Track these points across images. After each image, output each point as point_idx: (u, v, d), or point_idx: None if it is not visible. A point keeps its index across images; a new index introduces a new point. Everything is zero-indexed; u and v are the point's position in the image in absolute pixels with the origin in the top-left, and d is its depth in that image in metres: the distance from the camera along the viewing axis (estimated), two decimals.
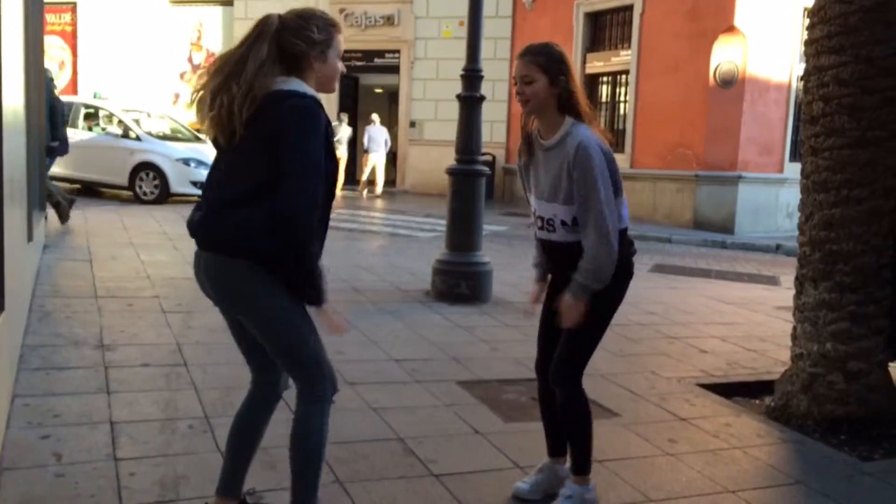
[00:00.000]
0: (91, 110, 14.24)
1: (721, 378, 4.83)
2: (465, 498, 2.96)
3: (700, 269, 9.68)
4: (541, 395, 3.09)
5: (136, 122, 13.75)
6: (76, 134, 13.04)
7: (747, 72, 13.50)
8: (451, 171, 6.59)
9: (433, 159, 17.14)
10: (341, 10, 18.59)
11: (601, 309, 2.82)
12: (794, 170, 12.23)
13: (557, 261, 2.90)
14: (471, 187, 6.49)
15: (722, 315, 6.83)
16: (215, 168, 2.41)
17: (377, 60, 19.51)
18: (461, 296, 6.36)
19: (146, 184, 13.00)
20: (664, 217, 14.13)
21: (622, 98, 15.52)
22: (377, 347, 4.88)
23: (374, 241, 10.17)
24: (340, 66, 2.44)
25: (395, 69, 19.24)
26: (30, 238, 5.19)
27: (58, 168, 12.96)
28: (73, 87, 20.33)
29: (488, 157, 16.00)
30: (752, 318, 6.80)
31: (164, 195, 12.88)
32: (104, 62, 20.26)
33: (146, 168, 12.98)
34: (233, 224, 2.26)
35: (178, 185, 12.90)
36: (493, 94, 15.87)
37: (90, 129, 13.86)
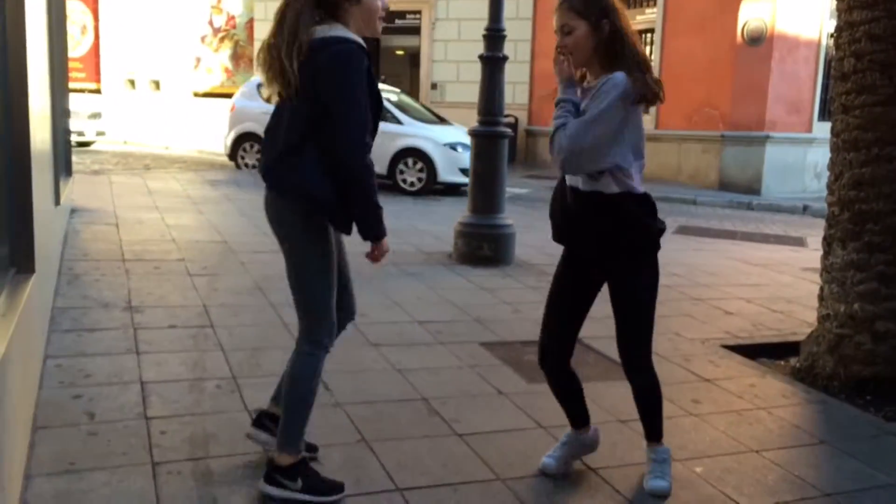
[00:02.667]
0: None
1: (746, 339, 4.80)
2: (489, 457, 2.99)
3: (725, 231, 9.59)
4: (551, 377, 2.97)
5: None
6: None
7: (776, 29, 13.21)
8: (474, 133, 6.55)
9: (455, 121, 17.05)
10: None
11: (648, 284, 2.76)
12: (822, 129, 12.04)
13: (573, 217, 2.70)
14: (493, 149, 6.45)
15: (747, 276, 6.78)
16: (275, 116, 2.56)
17: (398, 21, 19.30)
18: (484, 258, 6.35)
19: (410, 172, 11.60)
20: (689, 178, 13.98)
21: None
22: (400, 309, 4.91)
23: (396, 203, 10.17)
24: (380, 3, 2.51)
25: (416, 30, 19.05)
26: (57, 202, 5.25)
27: None
28: (95, 51, 20.38)
29: (511, 119, 15.86)
30: (778, 279, 6.74)
31: (430, 184, 11.51)
32: (125, 26, 20.26)
33: (409, 155, 11.54)
34: (287, 168, 2.47)
35: (446, 172, 11.49)
36: (516, 54, 15.69)
37: None
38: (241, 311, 4.59)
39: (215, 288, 5.02)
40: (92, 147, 15.88)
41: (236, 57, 20.70)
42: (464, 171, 11.01)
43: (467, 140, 11.49)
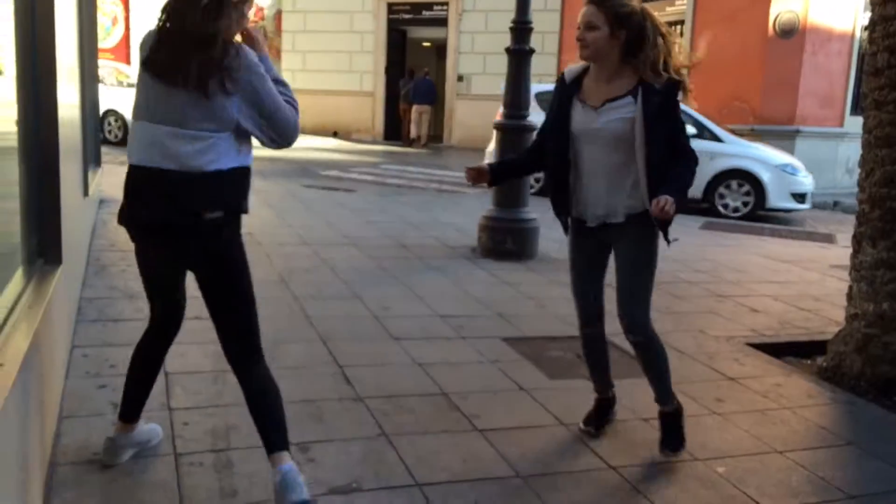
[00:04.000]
0: None
1: (772, 338, 4.75)
2: (508, 453, 2.98)
3: (753, 227, 9.47)
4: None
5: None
6: None
7: (808, 21, 13.00)
8: (499, 126, 6.53)
9: (481, 114, 16.95)
10: None
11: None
12: (854, 124, 11.83)
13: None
14: (518, 142, 6.40)
15: (775, 273, 6.69)
16: None
17: (425, 13, 19.29)
18: (507, 252, 6.33)
19: (733, 196, 10.41)
20: None
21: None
22: (423, 303, 4.91)
23: (420, 196, 10.18)
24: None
25: (443, 22, 19.02)
26: (86, 193, 5.31)
27: None
28: (125, 42, 20.58)
29: None
30: (806, 276, 6.65)
31: (757, 209, 10.36)
32: (155, 17, 20.41)
33: (733, 177, 10.36)
34: None
35: (776, 197, 10.33)
36: (543, 46, 15.60)
37: None
38: (265, 303, 4.55)
39: None
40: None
41: None
42: (796, 196, 10.41)
43: (797, 162, 10.73)
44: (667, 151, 2.81)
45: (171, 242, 2.40)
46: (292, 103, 2.41)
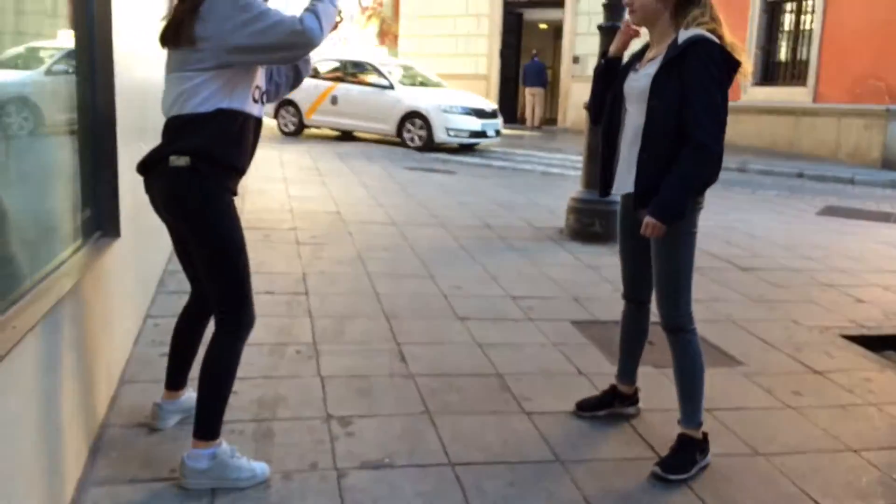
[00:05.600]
0: None
1: (872, 329, 4.37)
2: (552, 435, 2.88)
3: (879, 213, 8.76)
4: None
5: None
6: None
7: None
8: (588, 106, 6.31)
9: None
10: None
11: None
12: None
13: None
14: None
15: (892, 262, 6.16)
16: None
17: None
18: (594, 234, 6.13)
19: None
20: (848, 156, 12.91)
21: (807, 25, 14.17)
22: (496, 284, 4.83)
23: (522, 178, 10.05)
24: None
25: (559, 3, 18.66)
26: None
27: None
28: None
29: None
30: None
31: None
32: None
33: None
34: None
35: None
36: None
37: None
38: (338, 279, 4.68)
39: (319, 256, 5.14)
40: (481, 148, 13.60)
41: (382, 34, 21.11)
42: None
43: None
44: (673, 124, 2.53)
45: (148, 190, 2.40)
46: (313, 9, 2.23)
